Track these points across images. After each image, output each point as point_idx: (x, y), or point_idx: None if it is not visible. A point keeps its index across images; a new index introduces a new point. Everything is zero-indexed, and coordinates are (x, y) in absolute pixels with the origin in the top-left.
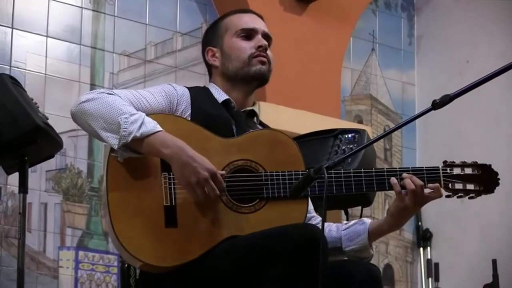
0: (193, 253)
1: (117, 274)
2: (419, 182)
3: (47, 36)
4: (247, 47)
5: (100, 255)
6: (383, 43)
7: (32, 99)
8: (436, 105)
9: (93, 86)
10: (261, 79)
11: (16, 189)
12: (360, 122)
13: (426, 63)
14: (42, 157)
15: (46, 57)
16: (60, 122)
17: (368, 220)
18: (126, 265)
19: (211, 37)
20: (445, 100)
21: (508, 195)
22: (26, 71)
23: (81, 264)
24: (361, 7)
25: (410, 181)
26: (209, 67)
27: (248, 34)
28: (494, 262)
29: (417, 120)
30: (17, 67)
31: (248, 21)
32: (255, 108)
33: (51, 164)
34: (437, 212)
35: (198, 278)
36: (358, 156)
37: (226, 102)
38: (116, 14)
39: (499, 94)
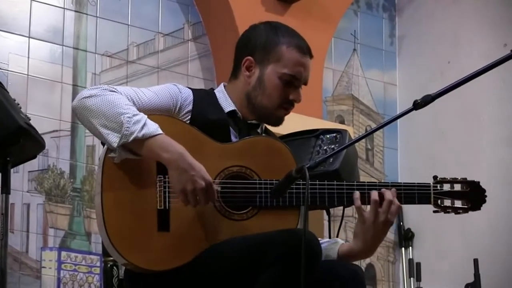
0: (183, 258)
1: (99, 274)
2: (389, 197)
3: (29, 37)
4: (284, 95)
5: (82, 255)
6: (364, 44)
7: (15, 100)
8: (418, 105)
9: (75, 87)
10: (273, 125)
11: None
12: (342, 122)
13: (407, 63)
14: (25, 157)
15: (28, 57)
16: (42, 122)
17: (340, 241)
18: (109, 265)
19: (258, 47)
20: (427, 100)
21: (489, 195)
22: (9, 71)
23: (64, 264)
24: (343, 7)
25: (376, 193)
26: (238, 69)
27: (291, 82)
28: (476, 261)
29: (398, 120)
30: (0, 68)
31: (300, 70)
32: (262, 123)
33: (33, 164)
34: (419, 212)
35: (186, 280)
36: (339, 156)
37: (232, 112)
38: (98, 15)
39: (481, 94)
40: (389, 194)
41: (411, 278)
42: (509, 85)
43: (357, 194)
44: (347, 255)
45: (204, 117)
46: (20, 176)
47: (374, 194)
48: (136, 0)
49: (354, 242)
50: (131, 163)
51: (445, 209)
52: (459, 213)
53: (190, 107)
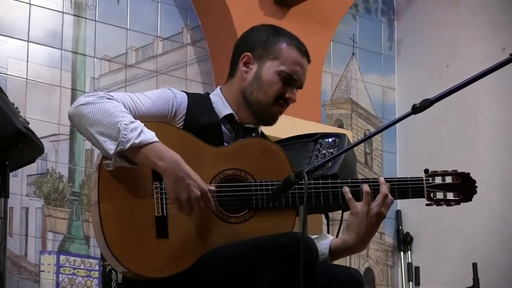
0: (183, 264)
1: (98, 278)
2: (384, 190)
3: (28, 41)
4: (280, 92)
5: (81, 259)
6: (363, 48)
7: (13, 104)
8: (416, 109)
9: (74, 91)
10: (267, 124)
11: None
12: (341, 126)
13: (406, 67)
14: (24, 161)
15: (27, 61)
16: (41, 126)
17: (330, 236)
18: (107, 269)
19: (257, 44)
20: (425, 104)
21: (487, 199)
22: (8, 75)
23: (62, 268)
24: (342, 11)
25: (367, 185)
26: (235, 67)
27: (288, 80)
28: (475, 265)
29: (397, 124)
30: None
31: (298, 70)
32: (258, 127)
33: (32, 168)
34: (418, 216)
35: (186, 285)
36: (338, 160)
37: (229, 116)
38: (97, 19)
39: (479, 98)
40: (384, 188)
41: (410, 282)
42: (508, 89)
43: (345, 188)
44: (340, 248)
45: (197, 122)
46: (19, 180)
47: (366, 187)
48: (135, 4)
49: (347, 235)
50: (127, 170)
51: (438, 202)
52: (451, 205)
53: (184, 112)
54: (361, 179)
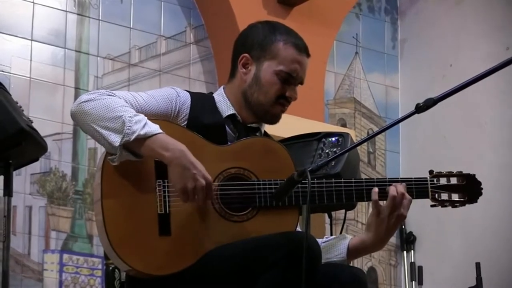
0: (185, 262)
1: (101, 277)
2: (402, 190)
3: (32, 40)
4: (280, 91)
5: (84, 258)
6: (366, 47)
7: (17, 103)
8: (420, 108)
9: (77, 89)
10: (270, 123)
11: (0, 192)
12: (344, 125)
13: (409, 66)
14: (27, 160)
15: (31, 60)
16: (44, 125)
17: (349, 236)
18: (110, 268)
19: (255, 45)
20: (429, 104)
21: (491, 199)
22: (11, 74)
23: (66, 267)
24: (345, 10)
25: (394, 188)
26: (235, 68)
27: (288, 79)
28: (478, 265)
29: (400, 124)
30: (2, 71)
31: (296, 68)
32: (261, 127)
33: (35, 167)
34: (421, 216)
35: (188, 283)
36: (341, 159)
37: (232, 116)
38: (100, 18)
39: (482, 98)
40: (401, 188)
41: (413, 282)
42: (511, 89)
43: (376, 189)
44: (358, 247)
45: (200, 121)
46: (22, 179)
47: (392, 189)
48: (138, 3)
49: (366, 235)
50: (130, 168)
51: (442, 203)
52: (456, 206)
53: (187, 111)
54: (365, 179)
